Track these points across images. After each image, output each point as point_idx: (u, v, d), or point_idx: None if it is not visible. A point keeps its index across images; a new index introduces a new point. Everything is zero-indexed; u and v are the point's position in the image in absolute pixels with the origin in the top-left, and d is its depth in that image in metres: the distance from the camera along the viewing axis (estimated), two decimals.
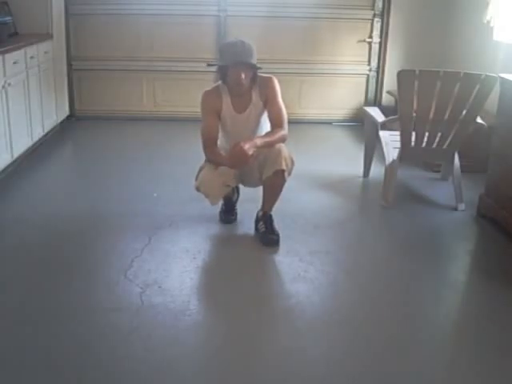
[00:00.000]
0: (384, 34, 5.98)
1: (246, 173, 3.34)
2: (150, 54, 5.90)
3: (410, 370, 2.34)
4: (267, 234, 3.34)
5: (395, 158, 3.95)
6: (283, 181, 3.25)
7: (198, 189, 3.33)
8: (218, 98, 3.31)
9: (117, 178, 4.37)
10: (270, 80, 3.32)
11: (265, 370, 2.32)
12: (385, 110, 4.48)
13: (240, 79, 3.17)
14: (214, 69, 3.30)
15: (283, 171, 3.19)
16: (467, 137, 3.85)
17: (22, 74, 4.43)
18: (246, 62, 3.15)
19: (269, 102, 3.30)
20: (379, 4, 5.91)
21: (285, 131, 3.28)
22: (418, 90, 3.65)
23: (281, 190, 3.32)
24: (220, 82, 3.33)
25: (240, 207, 3.64)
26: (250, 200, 3.59)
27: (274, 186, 3.30)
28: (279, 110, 3.30)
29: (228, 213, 3.61)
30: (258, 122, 3.37)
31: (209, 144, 3.28)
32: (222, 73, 3.25)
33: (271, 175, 3.20)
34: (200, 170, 3.33)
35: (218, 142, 3.35)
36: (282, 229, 3.40)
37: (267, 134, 3.27)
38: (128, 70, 5.92)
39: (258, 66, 3.21)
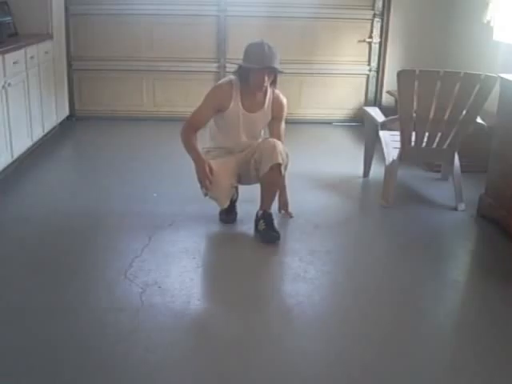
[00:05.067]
0: (384, 34, 5.98)
1: (243, 171, 3.37)
2: (150, 54, 5.90)
3: (410, 370, 2.34)
4: (268, 232, 3.34)
5: (395, 158, 3.95)
6: (280, 176, 3.28)
7: (206, 194, 3.35)
8: (228, 96, 3.33)
9: (117, 177, 4.37)
10: (283, 102, 3.45)
11: (265, 370, 2.31)
12: (385, 110, 4.48)
13: (263, 83, 3.23)
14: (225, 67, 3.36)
15: (279, 165, 3.23)
16: (467, 137, 3.85)
17: (22, 74, 4.43)
18: (272, 66, 3.21)
19: (275, 120, 3.44)
20: (379, 4, 5.91)
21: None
22: (417, 90, 3.66)
23: (278, 187, 3.34)
24: (233, 78, 3.35)
25: (240, 207, 3.64)
26: (249, 200, 3.59)
27: (271, 182, 3.31)
28: (282, 129, 3.48)
29: (228, 213, 3.60)
30: (261, 128, 3.49)
31: (191, 129, 3.33)
32: (244, 73, 3.28)
33: (268, 171, 3.23)
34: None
35: (212, 142, 3.44)
36: (282, 229, 3.40)
37: None
38: (128, 70, 5.92)
39: (282, 70, 3.29)
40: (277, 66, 3.25)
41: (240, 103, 3.33)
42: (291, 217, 3.59)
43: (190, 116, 3.36)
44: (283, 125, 3.48)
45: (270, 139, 3.34)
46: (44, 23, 5.11)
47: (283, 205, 3.60)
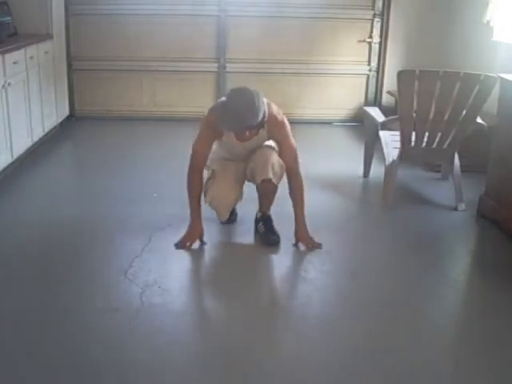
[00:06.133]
0: (384, 34, 5.99)
1: (240, 176, 3.35)
2: (150, 54, 5.90)
3: (410, 370, 2.34)
4: (267, 235, 3.34)
5: (395, 158, 3.95)
6: (273, 187, 3.25)
7: (209, 203, 3.30)
8: (219, 130, 3.13)
9: (117, 178, 4.37)
10: (280, 123, 3.18)
11: (265, 371, 2.31)
12: (385, 110, 4.48)
13: (244, 138, 3.05)
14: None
15: (270, 180, 3.18)
16: (467, 137, 3.85)
17: (22, 74, 4.43)
18: (252, 126, 2.96)
19: (281, 143, 3.22)
20: (379, 4, 5.92)
21: (300, 176, 3.25)
22: (417, 90, 3.66)
23: (273, 194, 3.31)
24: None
25: (240, 207, 3.64)
26: (249, 200, 3.57)
27: (265, 192, 3.31)
28: (292, 150, 3.22)
29: None
30: (259, 146, 3.27)
31: (196, 168, 3.19)
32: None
33: (260, 182, 3.22)
34: (208, 185, 3.29)
35: (214, 150, 3.31)
36: (282, 229, 3.40)
37: (297, 204, 3.26)
38: (128, 70, 5.92)
39: (265, 119, 3.00)
40: (258, 121, 2.93)
41: (233, 137, 3.13)
42: (318, 247, 3.29)
43: (192, 152, 3.19)
44: (293, 145, 3.21)
45: (266, 150, 3.21)
46: (44, 23, 5.11)
47: (299, 238, 3.29)
